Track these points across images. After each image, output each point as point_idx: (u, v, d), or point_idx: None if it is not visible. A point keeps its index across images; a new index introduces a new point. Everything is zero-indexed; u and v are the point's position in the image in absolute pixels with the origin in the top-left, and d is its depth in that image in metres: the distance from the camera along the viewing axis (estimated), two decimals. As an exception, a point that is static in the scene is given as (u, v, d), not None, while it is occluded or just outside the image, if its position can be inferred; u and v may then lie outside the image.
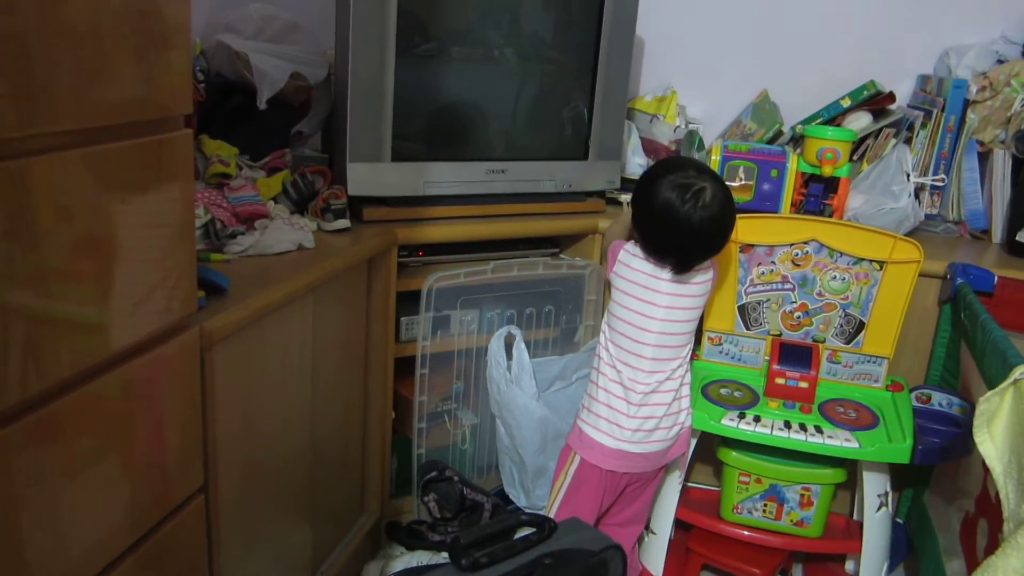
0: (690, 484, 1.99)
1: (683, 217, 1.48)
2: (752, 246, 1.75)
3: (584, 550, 1.13)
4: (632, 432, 1.59)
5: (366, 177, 1.70)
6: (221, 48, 1.76)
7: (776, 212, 1.90)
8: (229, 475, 1.24)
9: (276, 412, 1.40)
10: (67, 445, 0.88)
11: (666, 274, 1.56)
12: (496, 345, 1.84)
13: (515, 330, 1.86)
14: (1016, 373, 1.20)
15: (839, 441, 1.61)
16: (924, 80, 2.16)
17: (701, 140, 2.15)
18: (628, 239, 1.63)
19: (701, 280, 1.59)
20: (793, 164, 1.89)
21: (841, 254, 1.72)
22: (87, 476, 0.91)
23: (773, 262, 1.75)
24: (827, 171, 1.90)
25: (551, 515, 1.62)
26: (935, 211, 2.11)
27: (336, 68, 1.77)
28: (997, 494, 1.14)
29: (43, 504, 0.85)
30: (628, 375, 1.59)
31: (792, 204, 1.94)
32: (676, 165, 1.55)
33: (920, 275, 1.80)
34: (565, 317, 2.01)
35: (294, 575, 1.58)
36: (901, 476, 1.90)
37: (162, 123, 0.97)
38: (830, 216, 1.92)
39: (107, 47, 0.85)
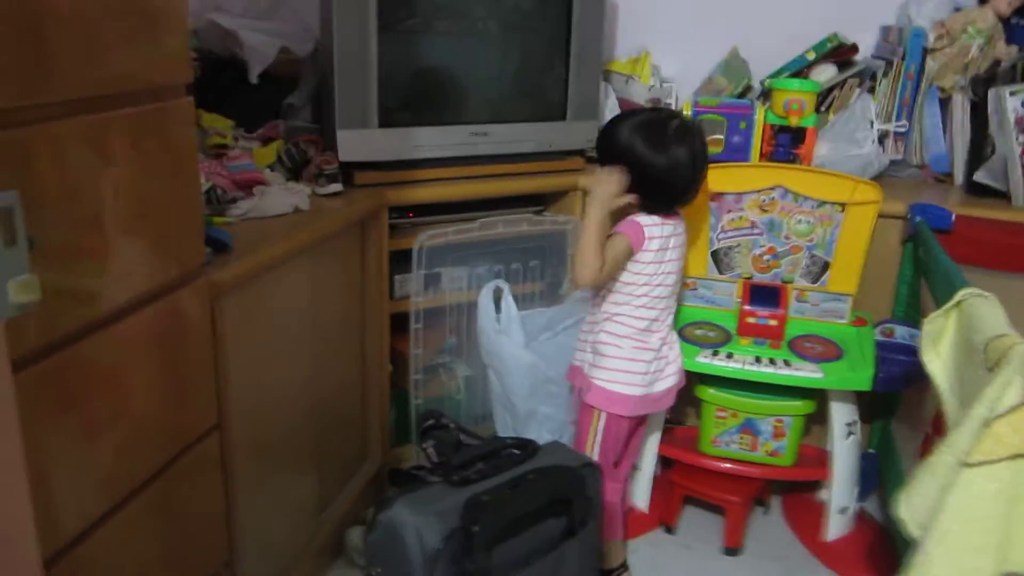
0: (671, 424, 2.11)
1: (678, 134, 1.57)
2: (722, 194, 1.85)
3: (564, 466, 1.25)
4: (653, 375, 1.68)
5: (355, 143, 1.81)
6: (212, 26, 1.86)
7: (746, 162, 2.01)
8: (240, 417, 1.35)
9: (280, 363, 1.52)
10: (97, 380, 0.99)
11: (673, 227, 1.64)
12: (485, 298, 1.95)
13: (503, 284, 1.97)
14: (959, 295, 1.31)
15: (806, 372, 1.73)
16: (886, 31, 2.25)
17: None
18: (626, 212, 1.66)
19: (683, 226, 1.70)
20: (760, 116, 1.99)
21: (805, 198, 1.82)
22: (113, 408, 1.03)
23: (742, 209, 1.86)
24: (794, 121, 2.00)
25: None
26: (899, 156, 2.21)
27: (322, 42, 1.87)
28: (947, 411, 1.25)
29: (74, 433, 0.96)
30: (647, 329, 1.66)
31: (762, 155, 2.04)
32: (630, 113, 1.66)
33: (884, 216, 1.91)
34: (550, 271, 2.12)
35: (301, 516, 1.70)
36: (871, 408, 2.01)
37: (167, 91, 1.08)
38: (799, 164, 2.02)
39: (109, 29, 0.96)
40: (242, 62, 1.86)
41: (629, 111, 1.69)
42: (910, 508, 1.21)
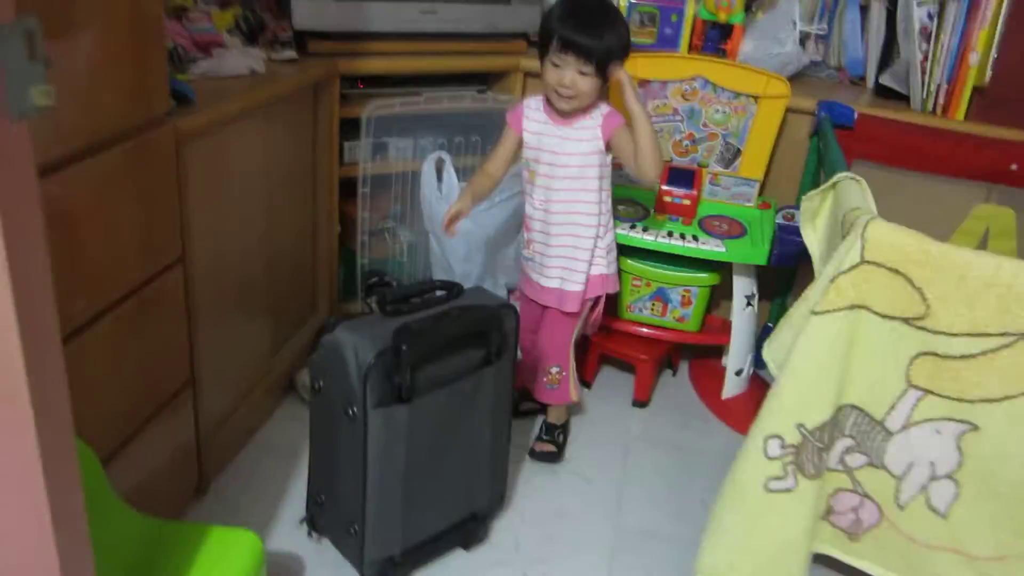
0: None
1: None
2: (648, 81, 2.02)
3: (484, 305, 1.45)
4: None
5: (310, 12, 1.92)
6: None
7: (675, 52, 2.16)
8: (201, 254, 1.52)
9: (238, 212, 1.67)
10: (79, 204, 1.15)
11: None
12: (428, 167, 2.11)
13: (445, 155, 2.13)
14: (835, 178, 1.52)
15: (710, 247, 1.94)
16: (818, -63, 2.39)
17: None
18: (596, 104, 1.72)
19: None
20: (690, 10, 2.14)
21: (723, 89, 2.00)
22: (92, 230, 1.19)
23: (666, 96, 2.03)
24: (722, 17, 2.15)
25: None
26: (819, 58, 2.38)
27: (281, -90, 1.94)
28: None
29: (64, 244, 1.13)
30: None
31: (692, 47, 2.20)
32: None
33: (796, 112, 2.10)
34: (490, 146, 2.26)
35: (257, 355, 1.89)
36: (771, 285, 2.25)
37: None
38: (725, 59, 2.18)
39: None
40: (202, -74, 1.93)
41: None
42: (771, 352, 1.44)
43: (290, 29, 1.90)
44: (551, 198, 1.75)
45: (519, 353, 1.79)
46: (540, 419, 2.01)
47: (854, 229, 1.28)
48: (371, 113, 2.04)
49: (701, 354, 2.34)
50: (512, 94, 2.24)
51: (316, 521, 1.55)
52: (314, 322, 2.16)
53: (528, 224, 1.82)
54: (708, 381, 2.26)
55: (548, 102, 1.72)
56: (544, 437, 1.95)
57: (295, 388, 2.06)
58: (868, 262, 1.26)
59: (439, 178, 2.13)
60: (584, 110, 1.69)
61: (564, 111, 1.69)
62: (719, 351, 2.24)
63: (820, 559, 1.58)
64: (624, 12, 2.14)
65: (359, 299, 2.22)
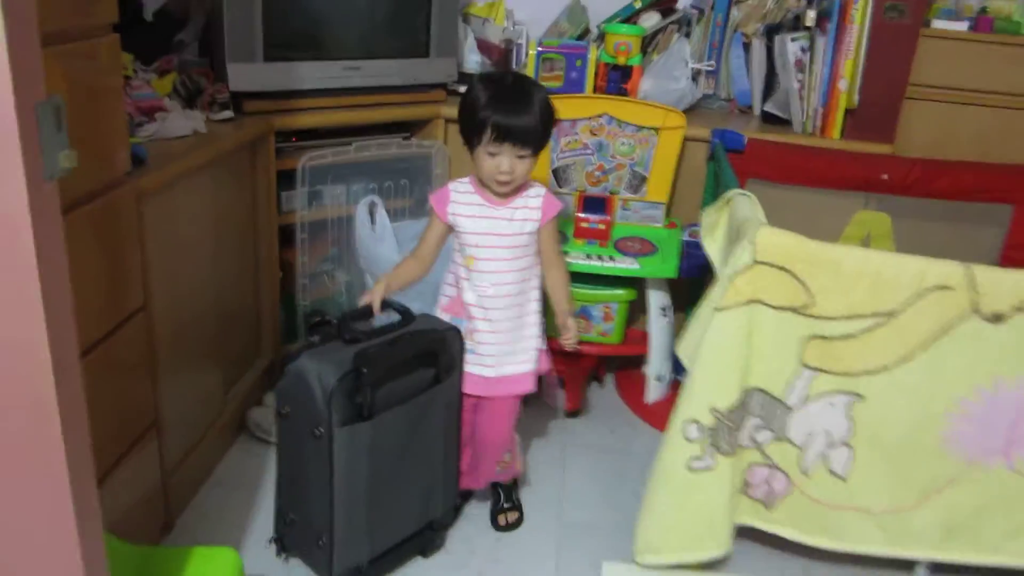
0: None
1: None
2: (559, 120, 2.22)
3: (432, 329, 1.61)
4: None
5: (244, 75, 2.07)
6: (107, -33, 2.06)
7: (580, 93, 2.38)
8: (160, 301, 1.63)
9: (189, 263, 1.80)
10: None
11: None
12: (362, 211, 2.26)
13: (377, 199, 2.29)
14: (728, 194, 1.74)
15: (626, 264, 2.14)
16: (700, -16, 2.66)
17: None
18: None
19: None
20: (593, 55, 2.36)
21: (627, 124, 2.22)
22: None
23: (576, 133, 2.24)
24: (622, 60, 2.38)
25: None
26: (711, 91, 2.64)
27: (210, -17, 2.10)
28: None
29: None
30: None
31: (596, 88, 2.42)
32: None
33: (694, 140, 2.34)
34: (417, 188, 2.45)
35: (210, 396, 2.00)
36: (683, 296, 2.46)
37: (97, 29, 1.34)
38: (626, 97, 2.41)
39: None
40: (139, 2, 2.07)
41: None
42: (683, 348, 1.64)
43: (226, 90, 2.04)
44: (501, 280, 1.69)
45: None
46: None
47: (745, 235, 1.49)
48: (305, 164, 2.19)
49: (625, 365, 2.53)
50: (435, 139, 2.42)
51: (284, 540, 1.67)
52: (260, 363, 2.28)
53: (468, 314, 1.72)
54: (633, 388, 2.45)
55: (479, 185, 1.69)
56: (506, 506, 1.90)
57: (247, 426, 2.16)
58: (759, 263, 1.48)
59: (372, 220, 2.28)
60: (518, 188, 1.68)
61: (501, 193, 1.67)
62: (641, 360, 2.43)
63: (743, 532, 1.77)
64: (532, 60, 2.35)
65: (300, 340, 2.34)
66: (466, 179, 1.73)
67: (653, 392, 2.35)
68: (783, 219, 1.58)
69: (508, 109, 1.58)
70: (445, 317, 1.76)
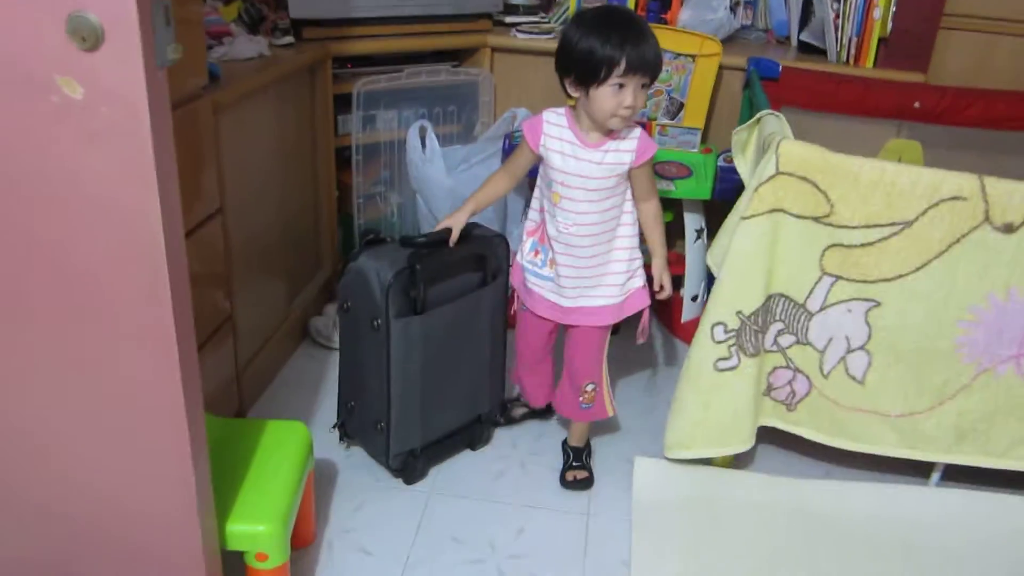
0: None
1: None
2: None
3: (480, 235, 1.76)
4: None
5: (304, 2, 2.19)
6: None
7: (622, 24, 2.47)
8: (234, 208, 1.80)
9: (257, 176, 1.95)
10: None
11: None
12: (413, 135, 2.40)
13: (427, 124, 2.42)
14: (758, 115, 1.84)
15: (662, 186, 2.25)
16: (742, -85, 2.71)
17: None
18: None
19: None
20: (634, -15, 2.44)
21: (665, 51, 2.30)
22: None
23: (616, 60, 2.33)
24: (662, -9, 2.46)
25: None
26: (749, 22, 2.71)
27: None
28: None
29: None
30: None
31: (637, 18, 2.50)
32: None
33: (731, 68, 2.42)
34: (465, 115, 2.57)
35: (275, 304, 2.17)
36: (718, 222, 2.56)
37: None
38: (664, 25, 2.50)
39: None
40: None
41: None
42: (713, 256, 1.77)
43: (287, 17, 2.17)
44: (584, 220, 1.67)
45: (520, 367, 1.92)
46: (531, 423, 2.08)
47: (770, 147, 1.60)
48: (360, 88, 2.32)
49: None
50: (482, 67, 2.53)
51: (346, 426, 1.85)
52: (320, 276, 2.45)
53: (548, 243, 1.74)
54: (669, 310, 2.58)
55: (576, 122, 1.65)
56: (574, 464, 1.90)
57: (309, 333, 2.34)
58: (781, 173, 1.59)
59: (423, 144, 2.42)
60: (616, 131, 1.65)
61: (615, 129, 1.63)
62: (678, 282, 2.55)
63: (769, 437, 1.91)
64: (575, -9, 2.44)
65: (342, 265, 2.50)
66: (561, 110, 1.68)
67: (687, 311, 2.47)
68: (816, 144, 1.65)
69: (634, 41, 1.54)
70: (529, 241, 1.79)
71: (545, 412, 2.08)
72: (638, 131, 1.67)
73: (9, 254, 1.05)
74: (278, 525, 1.36)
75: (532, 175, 1.79)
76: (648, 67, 1.56)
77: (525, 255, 1.80)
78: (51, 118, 0.95)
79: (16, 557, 1.29)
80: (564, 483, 1.89)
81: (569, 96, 1.65)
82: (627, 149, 1.65)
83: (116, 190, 1.00)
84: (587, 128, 1.64)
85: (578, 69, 1.58)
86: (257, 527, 1.35)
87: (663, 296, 1.79)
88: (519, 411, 2.07)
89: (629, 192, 1.72)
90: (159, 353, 1.11)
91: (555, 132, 1.66)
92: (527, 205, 1.85)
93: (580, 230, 1.68)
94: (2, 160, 0.99)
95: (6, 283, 1.07)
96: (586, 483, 1.89)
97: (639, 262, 1.78)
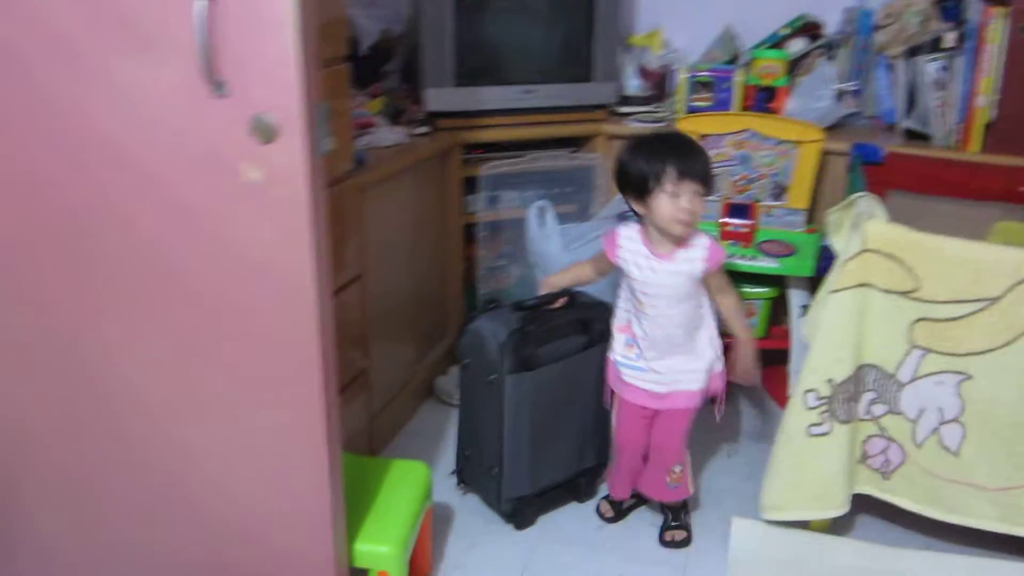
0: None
1: None
2: (708, 135, 2.50)
3: (587, 301, 1.94)
4: None
5: (438, 98, 2.49)
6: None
7: (726, 111, 2.65)
8: (372, 276, 2.06)
9: (394, 248, 2.22)
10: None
11: None
12: (533, 214, 2.63)
13: (546, 203, 2.64)
14: (852, 197, 1.97)
15: (766, 263, 2.38)
16: (847, 11, 2.86)
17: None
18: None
19: None
20: (741, 78, 2.63)
21: (768, 138, 2.46)
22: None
23: (722, 146, 2.51)
24: (767, 82, 2.63)
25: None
26: (855, 110, 2.83)
27: (412, 23, 2.55)
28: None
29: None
30: None
31: (745, 107, 2.68)
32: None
33: (835, 153, 2.55)
34: (581, 196, 2.79)
35: (404, 364, 2.41)
36: (823, 299, 2.65)
37: (335, 60, 1.77)
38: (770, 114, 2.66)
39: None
40: (355, 39, 2.54)
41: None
42: (806, 327, 1.88)
43: (423, 110, 2.47)
44: (668, 324, 1.81)
45: (616, 455, 1.99)
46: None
47: (856, 226, 1.73)
48: (486, 172, 2.59)
49: (770, 361, 2.74)
50: (597, 152, 2.76)
51: (463, 473, 2.03)
52: (445, 340, 2.68)
53: (636, 338, 1.87)
54: (778, 383, 2.66)
55: (647, 236, 1.80)
56: (672, 524, 2.00)
57: (435, 392, 2.57)
58: (868, 250, 1.71)
59: (541, 222, 2.64)
60: (682, 240, 1.78)
61: (679, 236, 1.76)
62: (784, 356, 2.64)
63: (868, 507, 1.96)
64: (684, 83, 2.65)
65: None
66: (634, 226, 1.83)
67: (794, 385, 2.55)
68: (923, 228, 1.74)
69: (683, 152, 1.73)
70: (622, 337, 1.90)
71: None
72: (706, 240, 1.80)
73: (194, 306, 1.32)
74: (399, 547, 1.55)
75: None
76: (697, 175, 1.71)
77: (619, 351, 1.92)
78: (235, 194, 1.22)
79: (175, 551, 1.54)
80: (663, 542, 1.99)
81: (636, 214, 1.81)
82: (698, 258, 1.78)
83: (280, 254, 1.25)
84: (657, 240, 1.78)
85: (633, 184, 1.75)
86: (380, 548, 1.54)
87: (751, 380, 1.92)
88: (628, 503, 2.09)
89: (704, 296, 1.85)
90: (308, 394, 1.34)
91: (629, 245, 1.82)
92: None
93: (665, 331, 1.81)
94: (194, 225, 1.26)
95: (190, 331, 1.34)
96: (684, 542, 1.99)
97: (720, 347, 1.90)
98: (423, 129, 2.47)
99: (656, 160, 1.71)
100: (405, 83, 2.71)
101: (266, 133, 1.15)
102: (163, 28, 1.16)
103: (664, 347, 1.84)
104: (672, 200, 1.71)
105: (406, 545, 1.58)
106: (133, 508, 1.51)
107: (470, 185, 2.61)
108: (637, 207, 1.78)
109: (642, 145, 1.77)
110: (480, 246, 2.65)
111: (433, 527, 1.87)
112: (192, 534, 1.51)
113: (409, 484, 1.71)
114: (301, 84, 1.17)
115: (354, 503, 1.58)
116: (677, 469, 1.95)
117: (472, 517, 2.03)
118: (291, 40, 1.12)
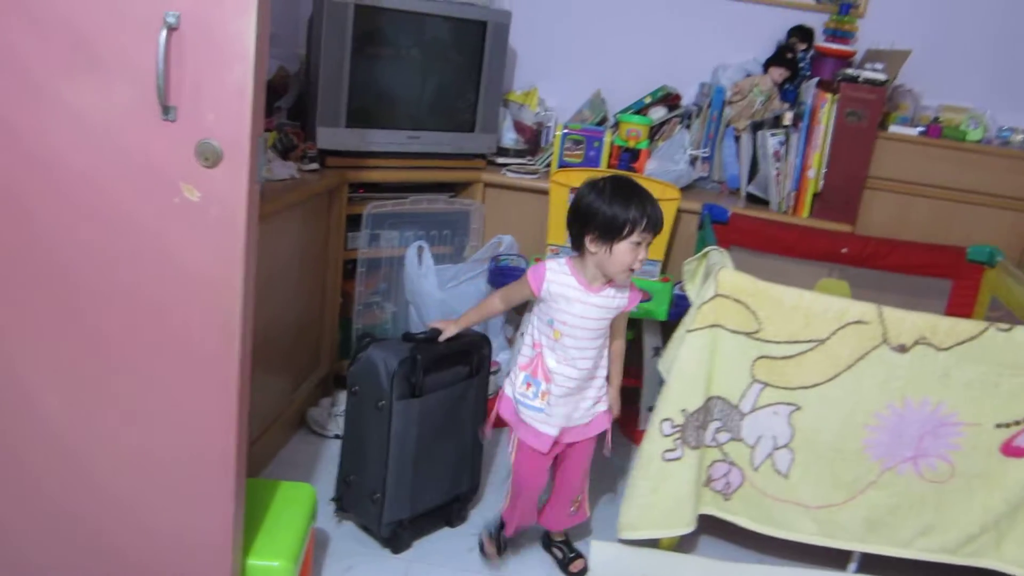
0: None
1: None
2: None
3: (466, 335, 2.09)
4: None
5: (329, 136, 2.60)
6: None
7: (596, 167, 2.90)
8: (257, 306, 2.11)
9: (278, 282, 2.29)
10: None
11: None
12: (411, 253, 2.76)
13: (424, 244, 2.79)
14: (706, 249, 2.22)
15: (626, 307, 2.61)
16: (702, 86, 3.20)
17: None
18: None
19: None
20: (608, 139, 2.88)
21: (632, 194, 2.71)
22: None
23: (590, 199, 2.74)
24: (632, 144, 2.90)
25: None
26: (706, 174, 3.15)
27: (310, 63, 2.65)
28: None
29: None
30: None
31: (610, 166, 2.93)
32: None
33: (688, 212, 2.83)
34: (457, 239, 2.95)
35: (277, 394, 2.46)
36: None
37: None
38: (634, 173, 2.92)
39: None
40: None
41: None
42: (663, 363, 2.10)
43: (315, 147, 2.57)
44: (583, 355, 1.89)
45: (512, 496, 2.03)
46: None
47: (710, 273, 1.97)
48: (370, 211, 2.70)
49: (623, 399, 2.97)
50: (475, 199, 2.93)
51: (343, 499, 2.11)
52: (318, 372, 2.74)
53: (546, 376, 1.91)
54: (629, 418, 2.88)
55: (579, 271, 1.87)
56: (571, 555, 2.13)
57: (307, 422, 2.62)
58: (720, 295, 1.95)
59: (419, 262, 2.78)
60: (613, 280, 1.88)
61: (621, 283, 1.88)
62: (636, 394, 2.88)
63: (710, 528, 2.19)
64: (558, 139, 2.88)
65: (352, 355, 2.81)
66: (562, 261, 1.89)
67: (644, 420, 2.78)
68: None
69: (653, 204, 1.81)
70: (522, 375, 1.94)
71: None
72: (629, 281, 1.93)
73: (123, 310, 1.37)
74: (290, 562, 1.62)
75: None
76: (658, 229, 1.83)
77: (517, 387, 1.96)
78: (174, 212, 1.30)
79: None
80: (568, 574, 2.10)
81: (580, 249, 1.86)
82: (623, 296, 1.91)
83: (212, 271, 1.34)
84: (591, 277, 1.86)
85: (600, 226, 1.79)
86: (273, 563, 1.61)
87: (616, 415, 2.06)
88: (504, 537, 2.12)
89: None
90: (223, 413, 1.43)
91: (558, 279, 1.87)
92: (506, 322, 2.17)
93: (578, 362, 1.89)
94: (131, 237, 1.33)
95: (118, 332, 1.39)
96: (585, 570, 2.11)
97: (606, 387, 2.02)
98: (313, 166, 2.56)
99: (633, 209, 1.77)
100: (294, 120, 2.80)
101: (212, 157, 1.24)
102: (118, 51, 1.23)
103: (570, 384, 1.90)
104: (633, 250, 1.79)
105: (297, 561, 1.64)
106: (31, 531, 1.51)
107: (352, 222, 2.71)
108: (592, 246, 1.81)
109: (617, 191, 1.81)
110: (359, 282, 2.75)
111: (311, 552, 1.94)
112: (89, 553, 1.52)
113: (297, 504, 1.77)
114: (251, 114, 1.27)
115: (248, 522, 1.64)
116: (579, 497, 2.09)
117: (348, 542, 2.11)
118: (249, 73, 1.23)
